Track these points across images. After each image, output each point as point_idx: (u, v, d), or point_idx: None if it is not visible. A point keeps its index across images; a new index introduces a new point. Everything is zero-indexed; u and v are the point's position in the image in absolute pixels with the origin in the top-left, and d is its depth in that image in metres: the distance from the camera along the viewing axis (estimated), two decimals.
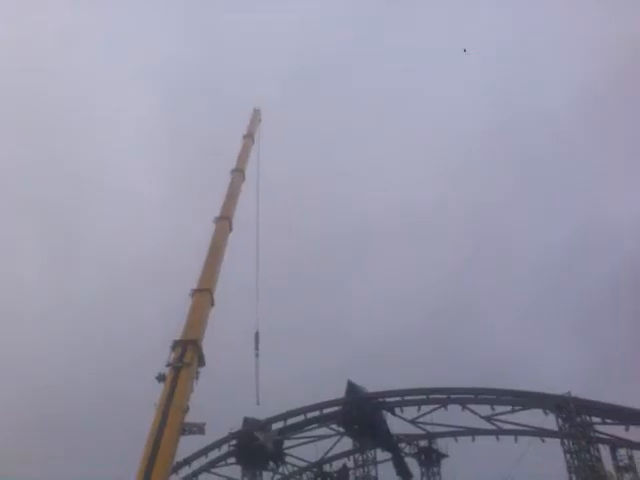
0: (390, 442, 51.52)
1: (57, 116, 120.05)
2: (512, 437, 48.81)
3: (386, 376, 53.19)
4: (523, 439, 48.26)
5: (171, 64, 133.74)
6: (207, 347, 33.03)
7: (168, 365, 31.40)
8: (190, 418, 30.64)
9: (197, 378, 32.10)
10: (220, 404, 52.39)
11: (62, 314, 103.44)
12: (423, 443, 54.94)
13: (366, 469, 51.98)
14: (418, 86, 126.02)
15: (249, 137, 51.71)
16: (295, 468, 58.20)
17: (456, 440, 53.19)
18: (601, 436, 45.37)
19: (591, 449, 43.42)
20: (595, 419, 45.31)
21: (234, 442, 56.04)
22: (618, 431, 44.92)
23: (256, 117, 55.00)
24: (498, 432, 49.54)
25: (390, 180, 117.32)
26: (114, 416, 73.90)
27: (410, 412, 51.61)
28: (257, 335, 41.99)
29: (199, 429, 31.72)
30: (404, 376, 52.23)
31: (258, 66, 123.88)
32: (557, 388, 46.09)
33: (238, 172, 47.16)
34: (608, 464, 44.36)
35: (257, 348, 41.53)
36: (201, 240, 39.99)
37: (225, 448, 56.55)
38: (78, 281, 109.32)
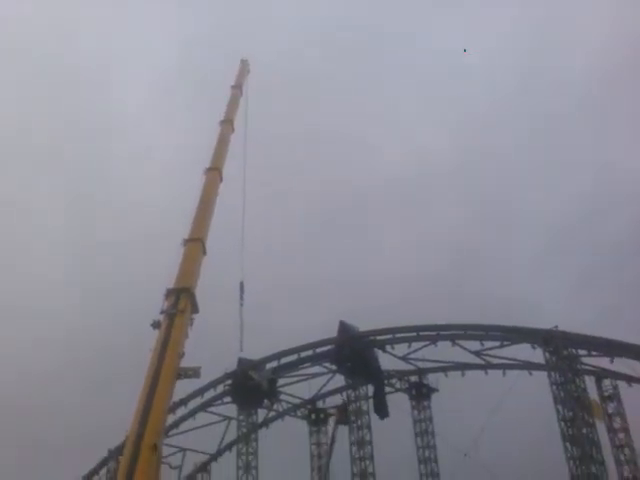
0: (380, 379, 52.50)
1: (76, 75, 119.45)
2: (500, 371, 50.00)
3: (398, 318, 54.04)
4: (511, 372, 49.51)
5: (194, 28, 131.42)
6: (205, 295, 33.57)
7: (162, 312, 31.90)
8: (185, 363, 31.34)
9: (191, 325, 32.69)
10: (215, 348, 53.25)
11: (80, 269, 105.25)
12: (414, 378, 56.33)
13: (358, 404, 53.33)
14: (441, 43, 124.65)
15: (237, 88, 51.62)
16: (289, 405, 59.76)
17: (446, 375, 54.41)
18: (587, 368, 46.48)
19: (577, 380, 44.28)
20: (581, 352, 46.20)
21: (229, 382, 56.97)
22: (603, 362, 46.06)
23: (244, 68, 54.55)
24: (487, 366, 50.73)
25: (407, 131, 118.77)
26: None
27: (401, 349, 52.40)
28: (242, 285, 43.02)
29: (195, 373, 32.50)
30: (414, 318, 53.02)
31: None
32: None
33: (227, 123, 47.22)
34: (593, 394, 45.64)
35: (242, 298, 42.49)
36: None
37: (220, 388, 57.47)
38: (97, 235, 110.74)
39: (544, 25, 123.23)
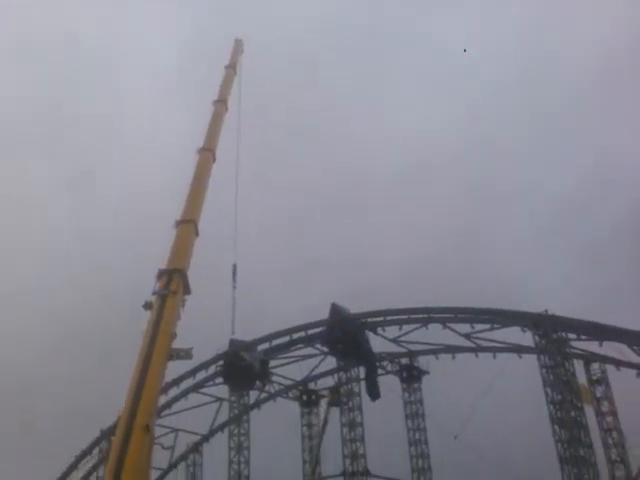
0: (371, 361, 52.79)
1: (75, 75, 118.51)
2: (491, 354, 50.27)
3: (397, 300, 54.40)
4: (501, 355, 49.80)
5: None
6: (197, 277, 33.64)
7: (154, 293, 31.90)
8: (177, 345, 31.44)
9: (183, 306, 32.71)
10: (207, 330, 53.41)
11: (76, 245, 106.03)
12: (405, 361, 56.72)
13: (350, 386, 53.70)
14: (438, 34, 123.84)
15: (231, 68, 51.36)
16: (281, 386, 60.08)
17: (437, 357, 54.67)
18: (576, 351, 46.88)
19: (566, 364, 44.72)
20: (571, 335, 46.57)
21: (221, 363, 57.05)
22: (592, 346, 46.50)
23: (238, 48, 54.24)
24: (477, 349, 50.99)
25: (407, 123, 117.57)
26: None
27: (392, 331, 52.69)
28: (235, 268, 42.98)
29: (186, 354, 32.60)
30: (412, 300, 53.44)
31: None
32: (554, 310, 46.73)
33: (221, 103, 46.90)
34: (582, 378, 46.09)
35: (234, 280, 42.52)
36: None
37: (212, 369, 57.65)
38: (94, 214, 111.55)
39: (544, 25, 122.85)
